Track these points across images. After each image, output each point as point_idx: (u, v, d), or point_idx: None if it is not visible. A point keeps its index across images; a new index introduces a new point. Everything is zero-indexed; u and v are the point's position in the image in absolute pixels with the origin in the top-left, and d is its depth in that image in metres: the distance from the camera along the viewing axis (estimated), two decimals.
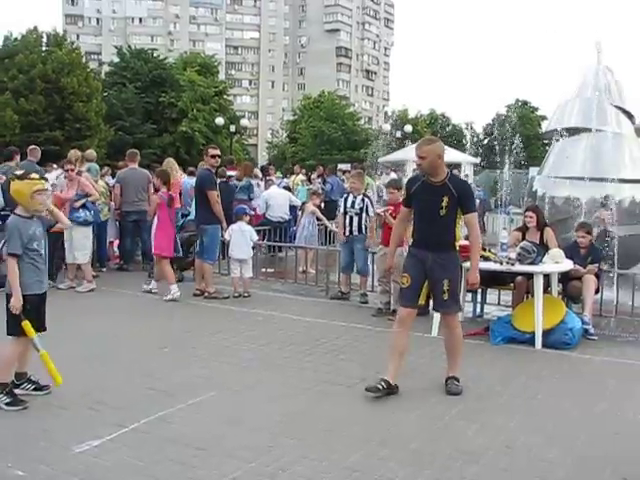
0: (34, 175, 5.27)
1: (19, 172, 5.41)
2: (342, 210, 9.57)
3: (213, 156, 9.63)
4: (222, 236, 9.72)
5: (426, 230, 5.52)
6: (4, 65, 38.32)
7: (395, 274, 8.39)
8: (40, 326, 5.22)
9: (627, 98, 12.32)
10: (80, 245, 9.87)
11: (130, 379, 5.78)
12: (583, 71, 12.47)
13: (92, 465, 4.08)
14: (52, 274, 9.09)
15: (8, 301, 5.09)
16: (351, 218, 9.36)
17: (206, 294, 9.51)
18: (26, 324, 5.05)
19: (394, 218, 7.84)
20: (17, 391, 5.14)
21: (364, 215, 9.30)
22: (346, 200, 9.56)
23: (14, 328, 5.12)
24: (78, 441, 4.39)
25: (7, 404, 5.01)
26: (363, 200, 9.42)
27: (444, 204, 5.35)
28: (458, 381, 5.54)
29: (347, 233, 9.42)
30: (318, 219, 12.06)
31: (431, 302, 6.17)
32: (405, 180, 7.52)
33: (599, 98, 11.73)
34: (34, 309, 5.15)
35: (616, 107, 11.93)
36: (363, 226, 9.33)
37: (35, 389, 5.27)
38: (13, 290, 5.05)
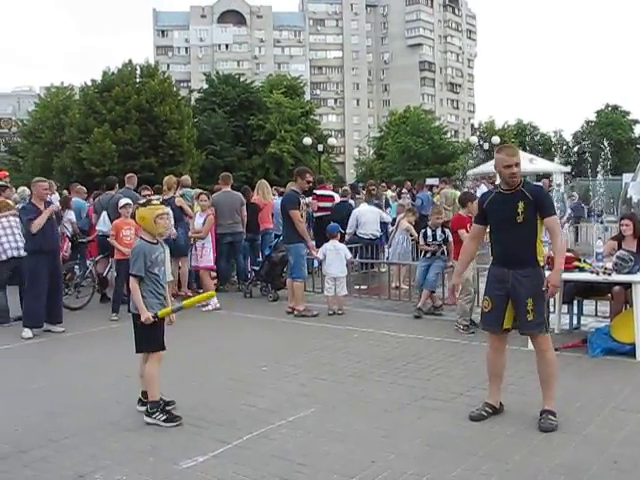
0: (155, 202, 5.61)
1: (142, 200, 5.81)
2: (421, 242, 9.83)
3: (309, 182, 10.15)
4: (309, 254, 9.97)
5: (504, 243, 5.21)
6: (103, 98, 40.11)
7: (460, 290, 8.46)
8: (159, 346, 5.43)
9: None
10: (168, 265, 10.45)
11: (231, 397, 5.97)
12: None
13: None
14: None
15: (135, 321, 5.38)
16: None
17: (296, 312, 9.71)
18: (162, 312, 5.34)
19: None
20: (149, 420, 5.30)
21: (444, 245, 9.65)
22: (425, 235, 9.77)
23: (143, 345, 5.42)
24: (185, 457, 4.59)
25: (164, 421, 5.25)
26: (444, 232, 9.67)
27: (520, 210, 5.03)
28: (554, 415, 5.04)
29: (428, 255, 9.64)
30: (411, 235, 12.08)
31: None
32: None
33: None
34: (154, 329, 5.35)
35: None
36: (445, 249, 9.61)
37: (166, 420, 5.30)
38: (139, 307, 5.30)
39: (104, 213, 11.05)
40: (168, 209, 5.68)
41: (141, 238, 5.56)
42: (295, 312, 9.74)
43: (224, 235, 11.65)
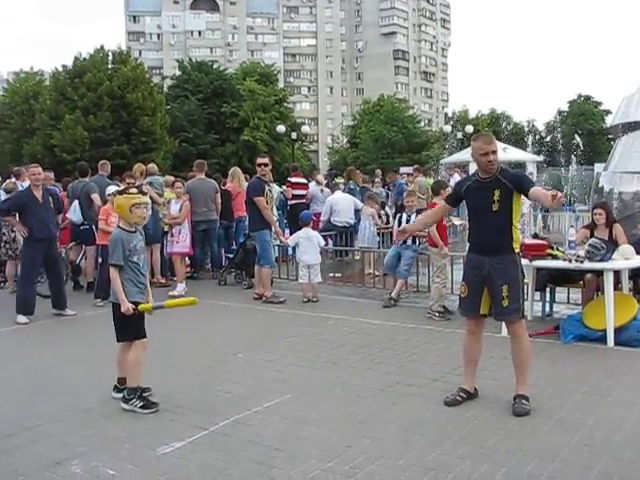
0: (133, 190, 5.50)
1: (120, 188, 5.71)
2: (396, 227, 9.78)
3: (259, 165, 10.03)
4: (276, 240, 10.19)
5: (480, 230, 5.25)
6: (74, 84, 39.64)
7: (437, 274, 8.59)
8: (141, 334, 5.41)
9: None
10: None
11: (207, 384, 5.97)
12: None
13: (176, 466, 4.25)
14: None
15: (115, 310, 5.35)
16: None
17: (264, 298, 9.77)
18: (142, 307, 5.30)
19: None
20: (125, 406, 5.30)
21: None
22: (400, 219, 9.73)
23: (123, 334, 5.41)
24: (161, 443, 4.58)
25: (141, 407, 5.24)
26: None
27: (496, 198, 5.04)
28: (527, 400, 5.11)
29: (401, 242, 9.55)
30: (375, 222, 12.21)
31: None
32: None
33: None
34: (135, 317, 5.31)
35: None
36: (417, 237, 9.53)
37: (143, 407, 5.28)
38: (119, 297, 5.27)
39: (75, 202, 10.94)
40: (146, 198, 5.49)
41: (119, 227, 5.50)
42: (263, 298, 9.78)
43: (198, 223, 11.59)
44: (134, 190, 5.51)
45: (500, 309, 5.18)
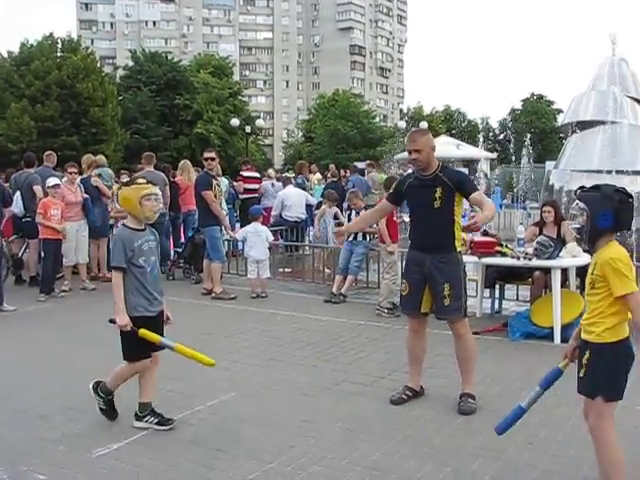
0: (141, 180, 4.83)
1: (125, 179, 5.25)
2: (346, 221, 9.80)
3: (206, 159, 9.91)
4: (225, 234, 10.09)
5: (422, 228, 5.17)
6: (20, 72, 38.69)
7: (387, 270, 8.62)
8: (147, 354, 4.78)
9: None
10: (85, 247, 10.48)
11: None
12: (598, 63, 12.45)
13: (112, 468, 4.10)
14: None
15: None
16: None
17: (213, 294, 9.63)
18: (144, 333, 4.60)
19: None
20: (139, 424, 4.76)
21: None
22: (350, 216, 9.72)
23: (128, 354, 4.76)
24: (98, 445, 4.42)
25: (157, 424, 4.75)
26: None
27: (437, 195, 4.95)
28: (474, 399, 5.10)
29: (351, 238, 9.53)
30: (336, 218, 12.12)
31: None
32: None
33: (614, 90, 11.67)
34: (139, 338, 4.65)
35: (632, 99, 11.86)
36: (367, 234, 9.53)
37: (158, 423, 4.76)
38: (116, 308, 4.63)
39: (17, 193, 10.62)
40: (156, 189, 4.85)
41: (123, 224, 4.88)
42: (212, 294, 9.64)
43: None
44: (142, 180, 4.82)
45: (441, 308, 5.12)
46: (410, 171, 7.28)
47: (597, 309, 3.43)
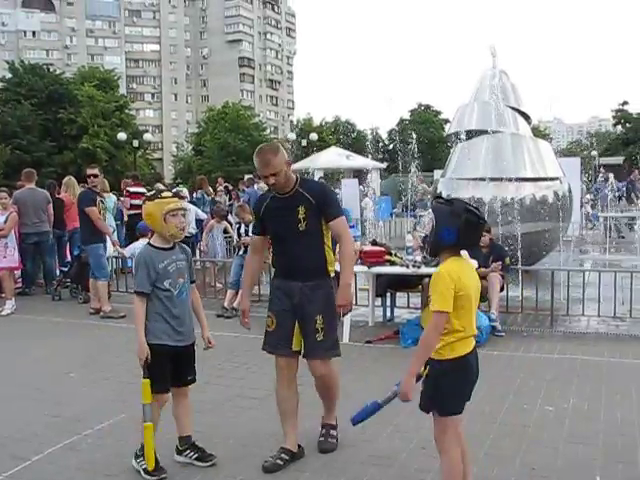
0: (166, 193, 4.41)
1: (150, 193, 4.80)
2: (236, 237, 9.83)
3: (88, 176, 9.71)
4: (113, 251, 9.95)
5: (287, 253, 4.40)
6: None
7: None
8: (165, 386, 4.31)
9: (523, 100, 12.79)
10: None
11: (36, 408, 5.55)
12: (480, 75, 12.89)
13: None
14: None
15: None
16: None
17: (101, 313, 9.38)
18: (145, 384, 4.13)
19: None
20: (180, 459, 4.39)
21: None
22: (239, 229, 9.83)
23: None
24: None
25: (197, 459, 4.34)
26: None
27: (301, 215, 4.26)
28: (335, 429, 4.62)
29: (241, 252, 9.54)
30: (226, 232, 12.06)
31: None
32: None
33: (496, 101, 12.13)
34: (157, 363, 4.16)
35: (513, 109, 12.36)
36: None
37: (198, 458, 4.36)
38: (137, 335, 4.16)
39: None
40: (184, 203, 4.45)
41: (148, 243, 4.40)
42: (101, 313, 9.38)
43: (29, 235, 10.96)
44: (168, 194, 4.40)
45: (313, 345, 4.37)
46: (261, 186, 6.98)
47: None
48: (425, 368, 3.41)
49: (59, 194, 12.23)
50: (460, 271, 3.37)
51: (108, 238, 9.82)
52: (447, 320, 3.30)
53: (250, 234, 9.57)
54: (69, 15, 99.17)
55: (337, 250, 4.66)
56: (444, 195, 12.35)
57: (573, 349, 7.15)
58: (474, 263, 7.98)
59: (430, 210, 3.56)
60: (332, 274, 4.45)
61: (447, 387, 3.39)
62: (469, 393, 3.50)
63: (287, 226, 4.32)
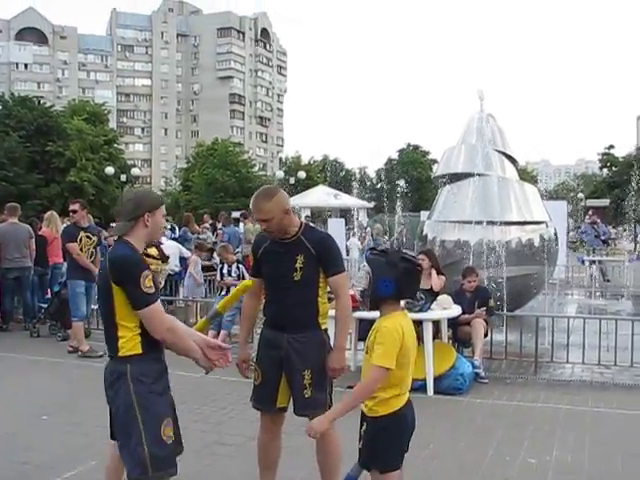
0: (152, 251, 4.25)
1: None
2: (219, 277, 9.91)
3: (69, 211, 9.70)
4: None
5: (279, 302, 4.18)
6: None
7: (261, 324, 8.45)
8: None
9: (509, 143, 12.86)
10: None
11: (4, 454, 5.37)
12: (467, 118, 12.96)
13: None
14: None
15: None
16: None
17: (79, 353, 9.22)
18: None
19: None
20: None
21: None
22: (222, 269, 9.87)
23: None
24: None
25: None
26: (238, 267, 9.80)
27: (299, 265, 4.06)
28: None
29: (224, 292, 9.54)
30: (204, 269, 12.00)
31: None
32: None
33: (483, 144, 12.18)
34: None
35: (499, 152, 12.41)
36: None
37: None
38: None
39: None
40: (167, 265, 4.04)
41: None
42: (79, 352, 9.22)
43: (10, 270, 10.84)
44: (154, 251, 4.56)
45: (302, 401, 4.11)
46: (248, 227, 6.91)
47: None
48: (361, 426, 3.40)
49: (40, 230, 12.10)
50: (405, 326, 3.36)
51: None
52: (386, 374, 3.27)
53: (232, 274, 9.51)
54: (62, 48, 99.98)
55: None
56: (430, 237, 12.37)
57: (557, 398, 7.05)
58: (457, 309, 7.96)
59: (365, 263, 3.47)
60: (324, 327, 4.22)
61: (385, 444, 3.33)
62: (407, 444, 3.47)
63: (282, 273, 4.12)
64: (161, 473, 3.35)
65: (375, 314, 7.66)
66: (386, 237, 22.93)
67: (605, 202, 47.64)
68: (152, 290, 3.36)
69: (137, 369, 3.38)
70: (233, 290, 4.13)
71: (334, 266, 4.15)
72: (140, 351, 3.39)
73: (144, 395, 3.38)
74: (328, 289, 4.23)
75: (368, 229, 23.24)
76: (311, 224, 4.63)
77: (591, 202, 44.24)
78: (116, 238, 3.58)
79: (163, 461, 3.35)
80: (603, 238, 20.52)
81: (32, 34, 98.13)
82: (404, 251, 3.57)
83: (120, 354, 3.39)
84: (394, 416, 3.33)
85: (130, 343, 3.37)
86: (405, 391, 3.40)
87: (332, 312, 4.29)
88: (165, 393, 3.54)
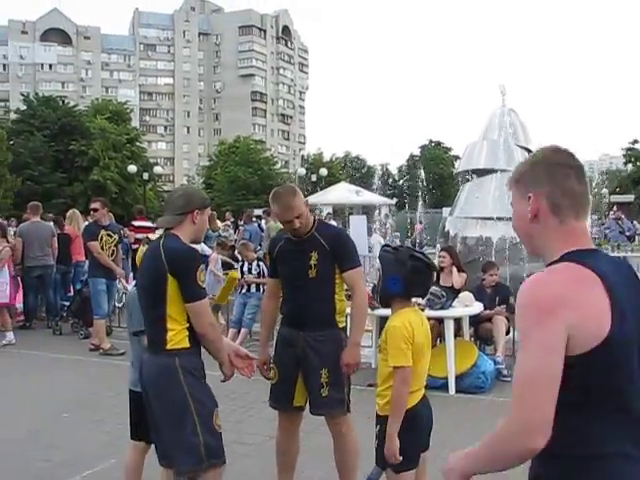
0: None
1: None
2: (239, 275, 9.76)
3: (90, 209, 9.78)
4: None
5: (295, 300, 4.13)
6: None
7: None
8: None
9: (532, 138, 12.71)
10: None
11: (27, 451, 5.41)
12: (489, 113, 12.83)
13: None
14: None
15: None
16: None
17: (101, 350, 9.25)
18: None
19: None
20: None
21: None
22: (242, 267, 9.75)
23: None
24: None
25: None
26: (259, 265, 9.66)
27: (313, 262, 4.00)
28: None
29: (244, 290, 9.52)
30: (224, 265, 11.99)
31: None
32: None
33: (505, 139, 12.05)
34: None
35: (522, 147, 12.27)
36: (261, 285, 9.36)
37: None
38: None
39: None
40: None
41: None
42: (100, 350, 9.25)
43: (33, 268, 10.91)
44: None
45: (318, 400, 4.06)
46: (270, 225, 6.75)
47: (384, 375, 3.34)
48: (376, 426, 3.35)
49: (63, 227, 12.18)
50: (414, 322, 3.30)
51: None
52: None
53: (253, 272, 9.48)
54: (85, 48, 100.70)
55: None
56: (452, 234, 12.28)
57: None
58: (479, 306, 7.88)
59: (377, 259, 3.46)
60: (342, 325, 4.18)
61: (399, 443, 3.26)
62: (426, 442, 3.43)
63: (297, 271, 4.09)
64: (215, 461, 3.45)
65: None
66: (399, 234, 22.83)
67: (630, 198, 47.00)
68: (204, 285, 3.42)
69: (187, 362, 3.40)
70: (223, 284, 4.16)
71: (349, 261, 4.08)
72: (188, 345, 3.40)
73: (197, 387, 3.43)
74: (346, 287, 4.20)
75: (388, 225, 23.11)
76: (332, 221, 4.59)
77: (615, 198, 43.68)
78: (161, 231, 3.58)
79: (217, 450, 3.46)
80: (628, 234, 20.19)
81: (56, 35, 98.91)
82: (416, 249, 3.50)
83: (168, 347, 3.37)
84: (408, 414, 3.27)
85: (179, 336, 3.37)
86: (419, 387, 3.35)
87: (349, 309, 4.27)
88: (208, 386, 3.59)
